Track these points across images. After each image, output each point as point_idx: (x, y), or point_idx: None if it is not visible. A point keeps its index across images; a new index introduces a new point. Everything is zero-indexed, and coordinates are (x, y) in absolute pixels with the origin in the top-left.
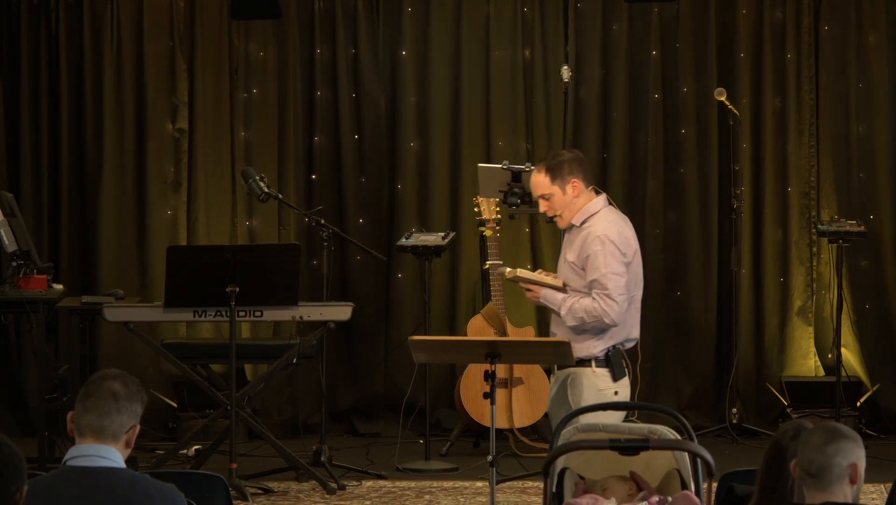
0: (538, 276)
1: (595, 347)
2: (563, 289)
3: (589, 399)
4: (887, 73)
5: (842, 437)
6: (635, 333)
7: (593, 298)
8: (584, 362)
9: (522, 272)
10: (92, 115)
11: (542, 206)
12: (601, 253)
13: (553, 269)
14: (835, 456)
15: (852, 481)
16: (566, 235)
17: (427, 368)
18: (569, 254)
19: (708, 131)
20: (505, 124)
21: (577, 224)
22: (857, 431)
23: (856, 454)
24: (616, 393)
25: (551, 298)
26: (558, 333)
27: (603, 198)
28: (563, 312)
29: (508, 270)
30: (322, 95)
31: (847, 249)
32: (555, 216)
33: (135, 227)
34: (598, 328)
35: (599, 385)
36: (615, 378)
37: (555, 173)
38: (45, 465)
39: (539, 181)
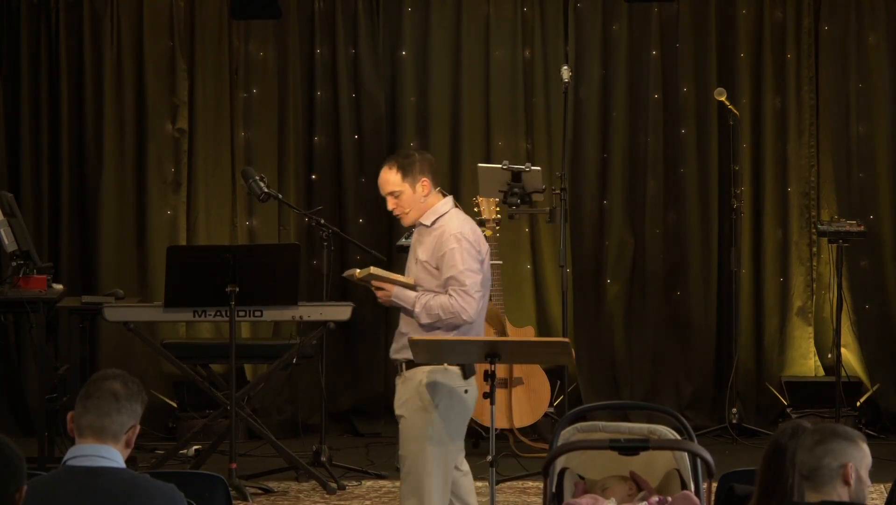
0: (391, 274)
1: None
2: (414, 287)
3: (444, 397)
4: (887, 73)
5: (833, 438)
6: (483, 332)
7: (450, 295)
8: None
9: (377, 270)
10: (92, 115)
11: (390, 204)
12: (458, 250)
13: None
14: (823, 457)
15: (845, 482)
16: (415, 235)
17: None
18: (421, 253)
19: (708, 131)
20: (505, 124)
21: (428, 224)
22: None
23: (848, 455)
24: (466, 392)
25: (403, 296)
26: (408, 332)
27: (450, 199)
28: (416, 310)
29: (358, 270)
30: (322, 95)
31: (847, 249)
32: (401, 214)
33: (135, 227)
34: (450, 325)
35: (453, 383)
36: (466, 376)
37: (406, 171)
38: (45, 465)
39: (389, 178)
